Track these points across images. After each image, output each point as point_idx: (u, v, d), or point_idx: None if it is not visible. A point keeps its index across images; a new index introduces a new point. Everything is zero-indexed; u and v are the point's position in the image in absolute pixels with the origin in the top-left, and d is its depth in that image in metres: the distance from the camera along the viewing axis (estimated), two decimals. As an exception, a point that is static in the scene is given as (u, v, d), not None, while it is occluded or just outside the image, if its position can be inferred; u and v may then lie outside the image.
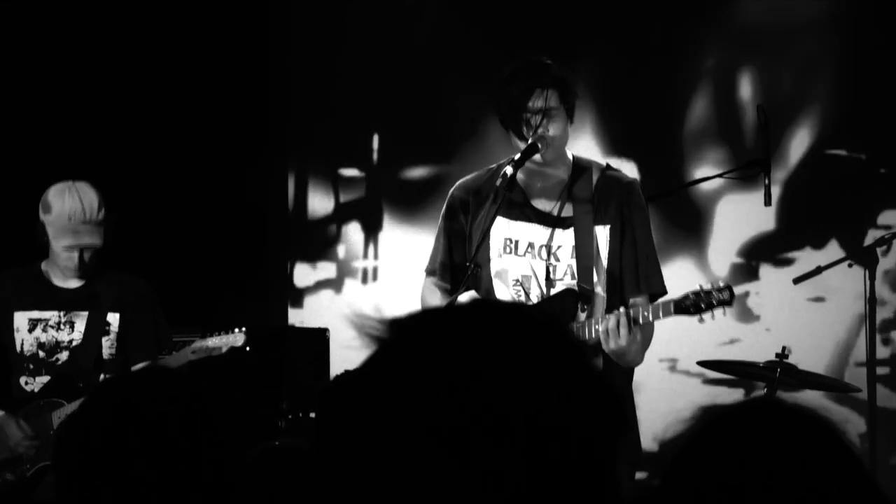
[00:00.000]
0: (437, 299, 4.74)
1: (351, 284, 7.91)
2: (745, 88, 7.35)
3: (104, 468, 2.08)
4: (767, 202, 5.61)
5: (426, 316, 1.50)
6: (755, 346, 6.62)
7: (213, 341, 5.28)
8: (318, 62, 7.96)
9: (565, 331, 1.46)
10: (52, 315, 5.30)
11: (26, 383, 5.27)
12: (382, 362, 1.42)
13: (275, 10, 8.05)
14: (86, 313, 5.30)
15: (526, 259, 4.63)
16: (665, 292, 4.66)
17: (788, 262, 7.22)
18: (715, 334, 4.55)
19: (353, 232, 7.95)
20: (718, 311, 4.38)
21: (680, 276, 7.04)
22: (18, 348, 5.26)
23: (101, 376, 5.26)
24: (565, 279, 4.61)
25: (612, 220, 4.64)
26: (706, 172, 6.67)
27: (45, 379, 5.26)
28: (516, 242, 4.64)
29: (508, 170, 4.55)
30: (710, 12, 7.44)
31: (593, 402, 1.41)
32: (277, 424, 6.51)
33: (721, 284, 4.40)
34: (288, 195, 8.07)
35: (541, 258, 4.62)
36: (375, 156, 7.97)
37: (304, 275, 8.00)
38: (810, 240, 7.18)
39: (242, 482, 2.18)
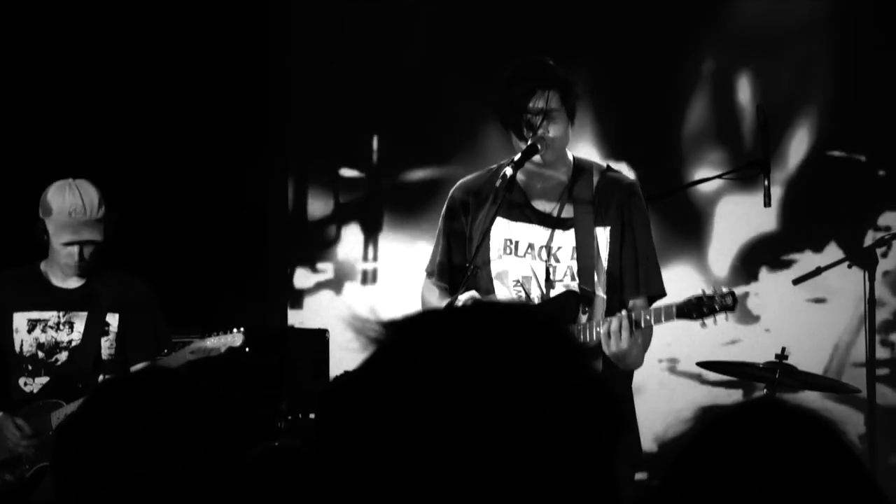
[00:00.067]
0: (436, 300, 4.74)
1: (351, 285, 7.91)
2: (745, 89, 7.35)
3: (103, 469, 2.08)
4: (767, 203, 5.61)
5: (426, 316, 1.50)
6: (755, 347, 6.62)
7: (212, 342, 5.27)
8: (318, 62, 7.96)
9: (565, 331, 1.46)
10: (51, 315, 5.29)
11: (25, 384, 5.27)
12: (382, 363, 1.42)
13: (275, 10, 8.04)
14: (85, 314, 5.30)
15: (526, 260, 4.63)
16: (664, 294, 4.66)
17: (788, 263, 7.22)
18: (714, 335, 4.55)
19: (353, 233, 7.95)
20: (721, 316, 4.37)
21: (679, 277, 7.05)
22: (17, 349, 5.26)
23: (101, 377, 5.25)
24: (565, 280, 4.60)
25: (612, 221, 4.64)
26: (705, 174, 6.66)
27: (45, 380, 5.25)
28: (516, 243, 4.64)
29: (508, 170, 4.54)
30: (710, 13, 7.44)
31: (593, 403, 1.41)
32: (277, 425, 6.51)
33: (724, 290, 4.39)
34: (288, 196, 8.07)
35: (541, 259, 4.62)
36: (375, 157, 7.97)
37: (303, 276, 7.99)
38: (810, 241, 7.18)
39: (242, 483, 2.18)
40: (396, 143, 7.91)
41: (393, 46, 7.80)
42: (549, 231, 4.63)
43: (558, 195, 4.66)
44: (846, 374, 6.98)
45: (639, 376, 4.71)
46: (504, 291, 4.62)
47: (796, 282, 6.20)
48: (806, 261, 7.04)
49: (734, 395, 6.97)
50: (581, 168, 4.70)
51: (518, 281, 4.63)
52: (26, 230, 5.32)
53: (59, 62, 7.29)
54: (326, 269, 7.97)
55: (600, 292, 4.61)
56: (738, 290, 6.02)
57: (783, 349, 5.66)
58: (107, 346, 5.31)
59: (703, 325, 4.38)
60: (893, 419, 6.86)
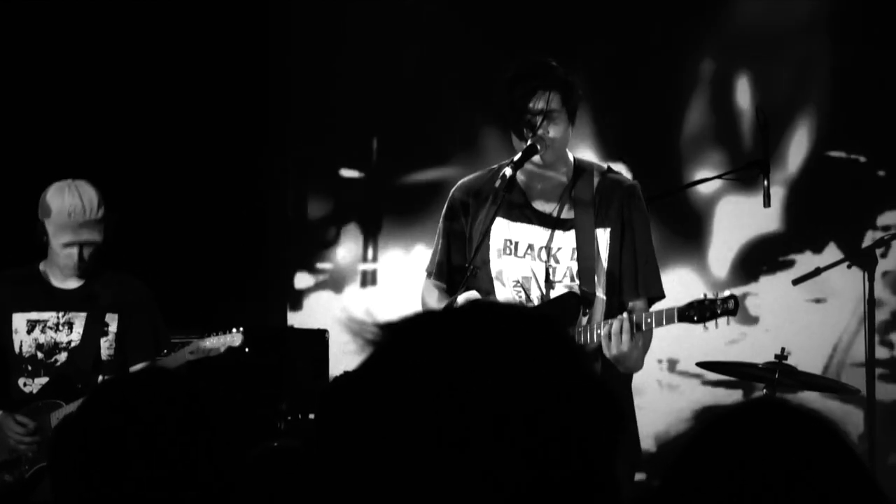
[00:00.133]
0: (436, 300, 4.74)
1: (350, 286, 7.91)
2: (744, 90, 7.35)
3: (103, 469, 2.08)
4: (767, 204, 5.61)
5: (425, 317, 1.50)
6: (754, 348, 6.62)
7: (211, 342, 5.27)
8: (319, 63, 7.96)
9: (564, 331, 1.46)
10: (50, 316, 5.29)
11: (25, 385, 5.26)
12: (382, 363, 1.42)
13: (275, 10, 8.05)
14: (84, 314, 5.29)
15: (526, 260, 4.63)
16: (663, 296, 4.66)
17: (787, 263, 7.22)
18: (714, 335, 4.55)
19: (353, 234, 7.94)
20: (722, 320, 4.37)
21: (679, 278, 7.06)
22: (17, 350, 5.26)
23: (100, 377, 5.25)
24: (564, 281, 4.60)
25: (612, 222, 4.63)
26: (705, 174, 6.66)
27: (44, 380, 5.25)
28: (516, 244, 4.64)
29: (507, 171, 4.54)
30: (710, 13, 7.44)
31: (593, 402, 1.41)
32: (277, 425, 6.51)
33: (726, 294, 4.38)
34: (287, 196, 8.07)
35: (540, 260, 4.62)
36: (375, 158, 7.97)
37: (303, 276, 7.99)
38: (809, 241, 7.18)
39: (241, 483, 2.18)
40: (396, 144, 7.90)
41: (393, 47, 7.80)
42: (548, 232, 4.63)
43: (558, 196, 4.66)
44: (845, 374, 6.98)
45: (639, 376, 4.71)
46: (504, 292, 4.62)
47: (796, 282, 6.20)
48: (805, 261, 7.04)
49: (734, 396, 6.97)
50: (581, 169, 4.70)
51: (518, 281, 4.62)
52: (26, 231, 5.32)
53: (60, 63, 7.29)
54: (326, 270, 7.97)
55: (600, 293, 4.61)
56: (738, 291, 6.03)
57: (783, 349, 5.66)
58: (106, 346, 5.31)
59: (705, 328, 4.38)
60: (893, 419, 6.86)
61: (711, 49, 7.42)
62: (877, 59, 7.12)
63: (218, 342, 5.27)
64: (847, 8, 7.24)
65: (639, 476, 4.58)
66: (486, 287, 4.63)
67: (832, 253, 6.93)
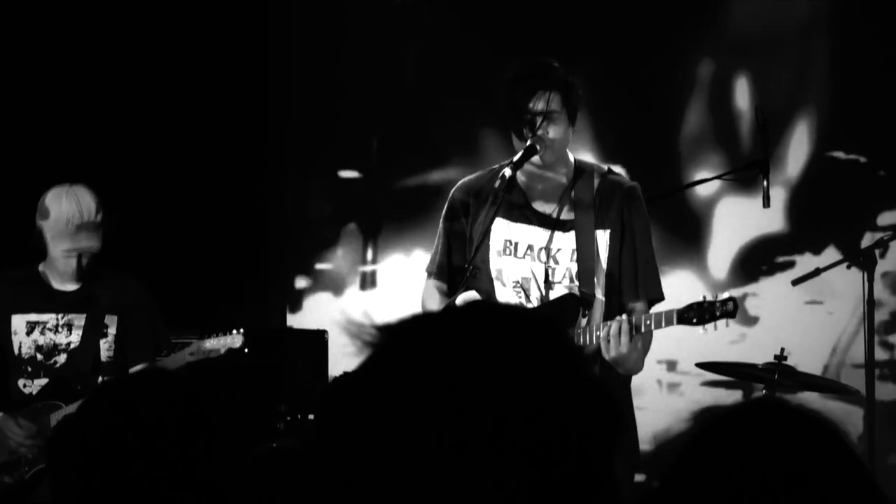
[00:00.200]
0: (436, 300, 4.74)
1: (350, 287, 7.91)
2: (744, 90, 7.35)
3: (102, 470, 2.08)
4: (766, 204, 5.61)
5: (424, 318, 1.50)
6: (754, 348, 6.62)
7: (211, 343, 5.27)
8: (319, 64, 7.96)
9: (563, 332, 1.46)
10: (50, 318, 5.29)
11: (24, 386, 5.26)
12: (381, 364, 1.42)
13: (275, 12, 8.04)
14: (84, 316, 5.29)
15: (525, 261, 4.62)
16: (663, 298, 4.66)
17: (787, 264, 7.22)
18: (714, 336, 4.55)
19: (352, 235, 7.94)
20: (721, 322, 4.37)
21: (679, 279, 7.06)
22: (16, 351, 5.26)
23: (100, 378, 5.25)
24: (564, 282, 4.60)
25: (612, 224, 4.63)
26: (704, 175, 6.66)
27: (44, 381, 5.25)
28: (516, 244, 4.64)
29: (507, 171, 4.54)
30: (709, 14, 7.44)
31: (592, 403, 1.41)
32: (276, 426, 6.51)
33: (725, 296, 4.38)
34: (287, 197, 8.06)
35: (540, 260, 4.61)
36: (375, 158, 7.97)
37: (303, 277, 7.99)
38: (809, 242, 7.18)
39: (241, 484, 2.18)
40: (396, 145, 7.90)
41: (393, 48, 7.80)
42: (548, 232, 4.63)
43: (558, 197, 4.66)
44: (845, 374, 6.98)
45: (638, 377, 4.70)
46: (503, 292, 4.62)
47: (795, 283, 6.20)
48: (805, 262, 7.04)
49: (734, 396, 6.97)
50: (582, 170, 4.70)
51: (517, 282, 4.62)
52: (25, 233, 5.32)
53: (60, 64, 7.29)
54: (326, 271, 7.97)
55: (599, 295, 4.61)
56: (738, 291, 6.04)
57: (782, 350, 5.66)
58: (105, 347, 5.30)
59: (704, 330, 4.38)
60: (893, 419, 6.86)
61: (711, 49, 7.42)
62: (877, 59, 7.12)
63: (218, 343, 5.27)
64: (847, 8, 7.24)
65: (638, 477, 4.58)
66: (486, 287, 4.63)
67: (832, 253, 6.93)
